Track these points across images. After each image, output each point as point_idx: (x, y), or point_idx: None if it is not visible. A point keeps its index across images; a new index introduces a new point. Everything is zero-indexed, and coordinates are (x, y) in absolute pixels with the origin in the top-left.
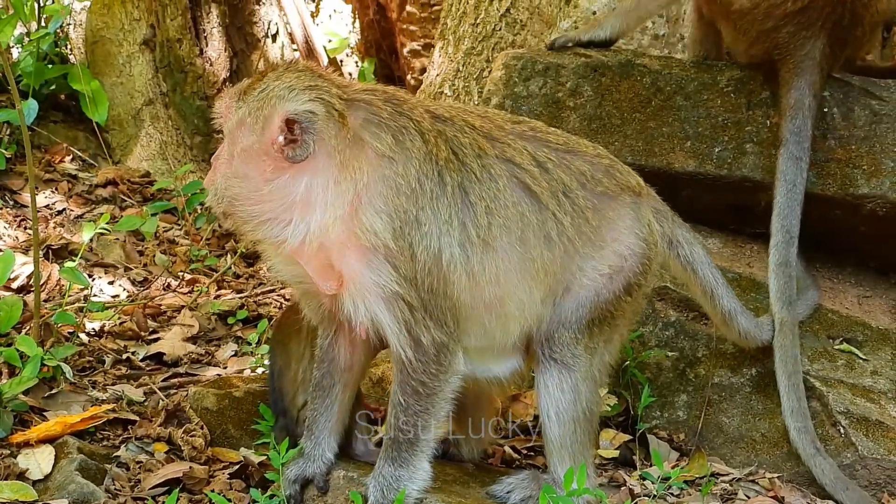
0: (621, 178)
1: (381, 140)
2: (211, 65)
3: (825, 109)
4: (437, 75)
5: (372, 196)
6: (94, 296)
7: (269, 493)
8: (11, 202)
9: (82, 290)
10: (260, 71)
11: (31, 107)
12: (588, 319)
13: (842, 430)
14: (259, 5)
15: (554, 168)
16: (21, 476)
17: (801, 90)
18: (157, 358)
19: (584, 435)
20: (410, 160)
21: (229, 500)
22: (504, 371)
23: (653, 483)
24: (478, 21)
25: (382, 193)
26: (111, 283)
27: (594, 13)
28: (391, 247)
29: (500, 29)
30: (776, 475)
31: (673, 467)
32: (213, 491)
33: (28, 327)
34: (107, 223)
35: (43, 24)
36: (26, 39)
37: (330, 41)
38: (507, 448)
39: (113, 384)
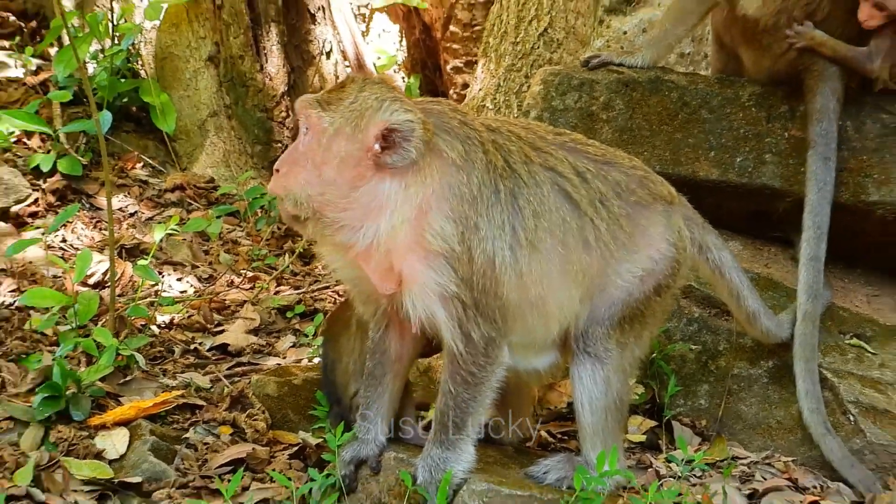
0: (654, 188)
1: (453, 148)
2: (270, 79)
3: (839, 123)
4: (480, 90)
5: (440, 202)
6: (164, 291)
7: (325, 472)
8: (88, 205)
9: (153, 286)
10: (338, 82)
11: (105, 118)
12: (620, 317)
13: (851, 418)
14: (314, 25)
15: (592, 178)
16: (98, 456)
17: (825, 96)
18: (222, 348)
19: (614, 422)
20: (474, 169)
21: (289, 479)
22: (543, 364)
23: (677, 465)
24: (518, 40)
25: (449, 200)
26: (179, 279)
27: (625, 33)
28: (455, 250)
29: (539, 47)
30: (791, 459)
31: (696, 451)
32: (273, 470)
33: (104, 320)
34: (175, 225)
35: (116, 41)
36: (101, 56)
37: (379, 58)
38: (543, 432)
39: (182, 372)
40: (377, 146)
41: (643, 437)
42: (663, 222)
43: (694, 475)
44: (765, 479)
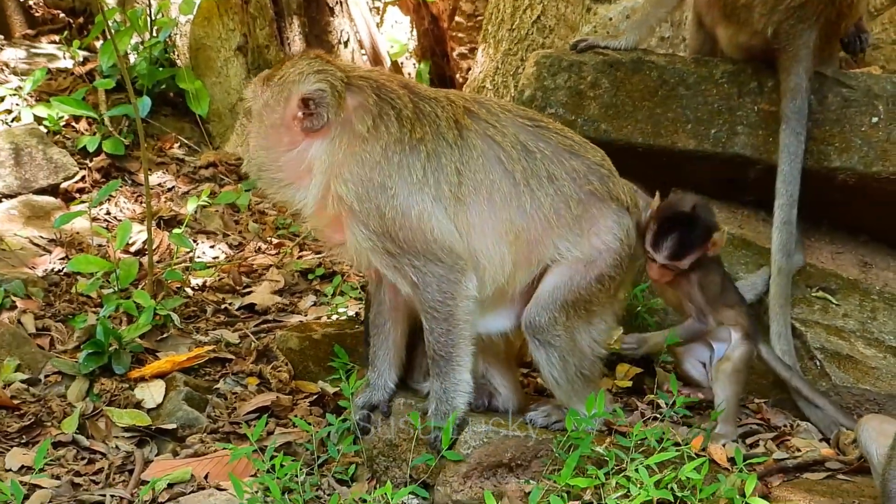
0: (613, 189)
1: (363, 123)
2: None
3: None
4: (480, 72)
5: (341, 169)
6: (198, 257)
7: (341, 417)
8: (130, 181)
9: (188, 252)
10: (279, 60)
11: (144, 103)
12: (563, 301)
13: (818, 363)
14: (333, 17)
15: (542, 158)
16: (137, 405)
17: (799, 75)
18: (250, 308)
19: (583, 387)
20: (379, 140)
21: (309, 424)
22: (494, 328)
23: (665, 403)
24: (514, 27)
25: (348, 166)
26: (212, 246)
27: (610, 19)
28: (356, 209)
29: (532, 33)
30: (763, 400)
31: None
32: (295, 416)
33: (143, 283)
34: (207, 197)
35: (154, 34)
36: (141, 47)
37: (392, 47)
38: (538, 379)
39: (213, 329)
40: (300, 114)
41: (629, 383)
42: (614, 218)
43: (675, 414)
44: (740, 418)
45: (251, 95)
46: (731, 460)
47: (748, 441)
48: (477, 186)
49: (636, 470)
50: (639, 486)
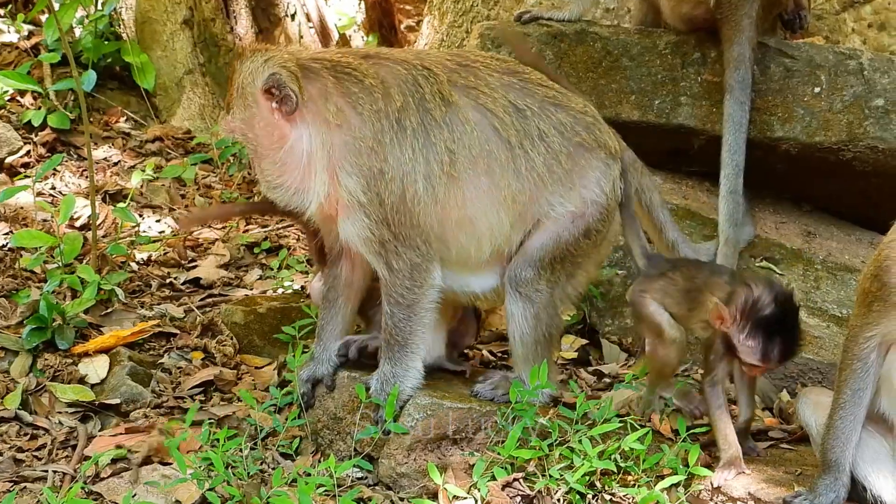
0: (600, 136)
1: (328, 110)
2: (240, 40)
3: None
4: (426, 44)
5: (342, 161)
6: (144, 232)
7: (284, 390)
8: (75, 156)
9: (133, 227)
10: (228, 63)
11: (90, 77)
12: (550, 257)
13: None
14: None
15: (532, 115)
16: (81, 381)
17: (742, 45)
18: (195, 282)
19: (545, 350)
20: (365, 123)
21: (254, 398)
22: (482, 287)
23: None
24: None
25: (348, 158)
26: (158, 221)
27: None
28: (363, 201)
29: (477, 5)
30: None
31: (622, 365)
32: (241, 390)
33: (87, 258)
34: (151, 170)
35: (100, 7)
36: (86, 21)
37: (340, 20)
38: (485, 352)
39: (158, 304)
40: (273, 104)
41: (575, 354)
42: (602, 168)
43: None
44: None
45: (225, 127)
46: (675, 431)
47: None
48: (473, 161)
49: (580, 441)
50: (582, 456)
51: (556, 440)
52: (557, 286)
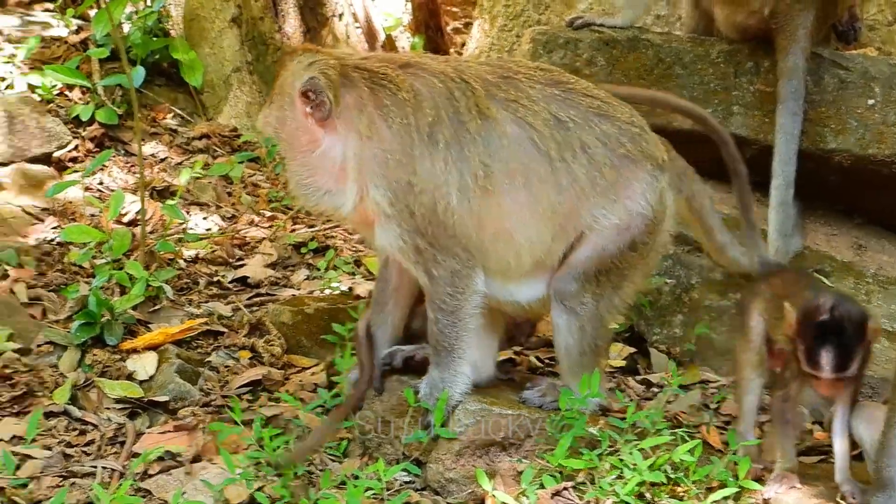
0: (646, 147)
1: (361, 122)
2: (287, 39)
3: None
4: (476, 48)
5: (371, 173)
6: (191, 229)
7: (332, 392)
8: (123, 151)
9: (181, 223)
10: (276, 61)
11: (138, 72)
12: (595, 270)
13: None
14: None
15: (574, 127)
16: (129, 377)
17: (796, 55)
18: (243, 280)
19: (591, 361)
20: (394, 136)
21: (300, 400)
22: (525, 297)
23: (662, 381)
24: (509, 3)
25: (376, 170)
26: (205, 218)
27: None
28: (391, 213)
29: (528, 10)
30: None
31: (670, 375)
32: (286, 392)
33: (136, 254)
34: (201, 169)
35: (149, 3)
36: (135, 17)
37: (386, 20)
38: (532, 357)
39: (206, 302)
40: (308, 108)
41: (623, 363)
42: (647, 180)
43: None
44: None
45: (262, 120)
46: (725, 443)
47: None
48: (510, 175)
49: (630, 452)
50: (632, 468)
51: (605, 450)
52: (603, 298)
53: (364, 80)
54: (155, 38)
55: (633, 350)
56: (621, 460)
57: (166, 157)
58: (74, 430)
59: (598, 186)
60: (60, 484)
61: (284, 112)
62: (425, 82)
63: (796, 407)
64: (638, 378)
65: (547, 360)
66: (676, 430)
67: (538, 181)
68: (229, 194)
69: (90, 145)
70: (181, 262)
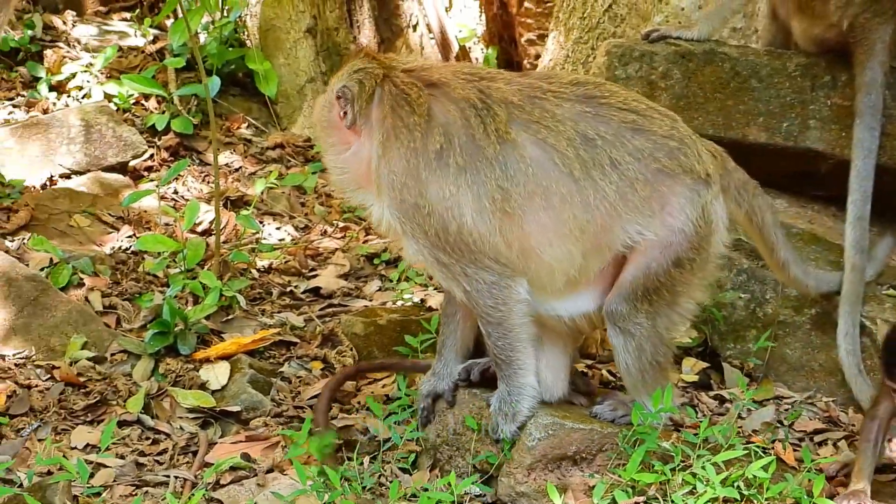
0: (685, 161)
1: (378, 139)
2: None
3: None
4: (550, 60)
5: (383, 190)
6: (264, 239)
7: (405, 402)
8: (198, 161)
9: (254, 234)
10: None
11: (214, 82)
12: (643, 290)
13: None
14: (402, 0)
15: (604, 144)
16: (202, 386)
17: (874, 69)
18: (315, 291)
19: (654, 378)
20: (400, 158)
21: (379, 407)
22: (568, 312)
23: (733, 398)
24: (585, 15)
25: (385, 189)
26: (278, 228)
27: (682, 9)
28: (403, 229)
29: (604, 22)
30: (831, 399)
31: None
32: (358, 403)
33: (209, 264)
34: (275, 179)
35: (225, 14)
36: (211, 27)
37: (460, 31)
38: (604, 371)
39: (278, 312)
40: (340, 112)
41: (696, 378)
42: (687, 195)
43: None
44: (809, 419)
45: (314, 112)
46: (799, 460)
47: (816, 440)
48: (529, 197)
49: (703, 467)
50: (705, 483)
51: (678, 465)
52: (659, 316)
53: (389, 98)
54: (230, 49)
55: (706, 365)
56: (694, 475)
57: (240, 167)
58: (147, 438)
59: (629, 203)
60: (133, 493)
61: (325, 109)
62: (443, 107)
63: (885, 428)
64: (711, 393)
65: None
66: (749, 446)
67: (559, 202)
68: (302, 204)
69: (165, 154)
70: (254, 272)
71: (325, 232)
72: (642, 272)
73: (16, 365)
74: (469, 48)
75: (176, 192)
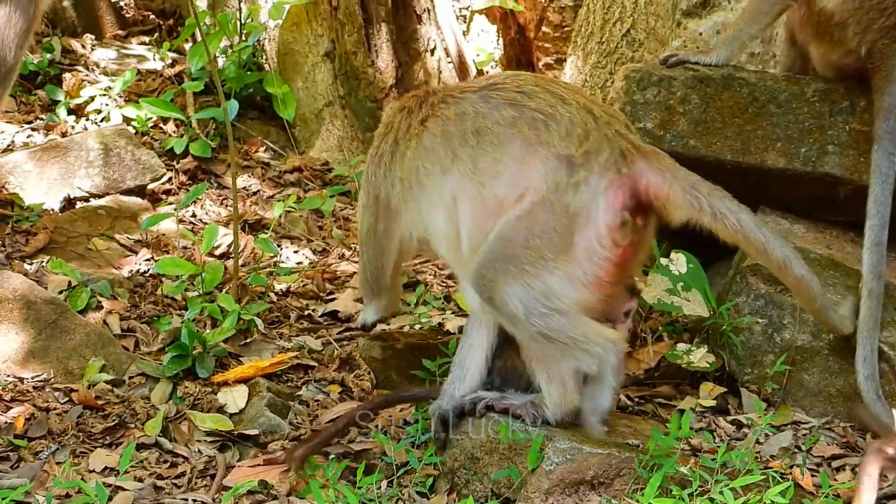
0: (545, 135)
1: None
2: (380, 73)
3: None
4: None
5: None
6: (282, 262)
7: (422, 427)
8: (216, 184)
9: (272, 257)
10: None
11: (232, 106)
12: (501, 256)
13: None
14: (420, 24)
15: (475, 116)
16: (220, 410)
17: (893, 95)
18: (333, 315)
19: (542, 354)
20: (368, 165)
21: (387, 436)
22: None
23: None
24: (603, 40)
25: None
26: (296, 252)
27: (700, 34)
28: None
29: (622, 47)
30: (849, 424)
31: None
32: (376, 427)
33: (228, 287)
34: (293, 202)
35: (244, 38)
36: (230, 51)
37: (478, 55)
38: (622, 396)
39: (296, 335)
40: None
41: (714, 402)
42: (539, 166)
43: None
44: (826, 444)
45: None
46: (818, 485)
47: (834, 465)
48: (420, 182)
49: (721, 492)
50: None
51: (696, 490)
52: (520, 287)
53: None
54: (249, 73)
55: (723, 390)
56: (712, 500)
57: (258, 191)
58: (165, 462)
59: (479, 165)
60: None
61: None
62: (393, 115)
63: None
64: (729, 418)
65: (637, 399)
66: (767, 471)
67: (439, 177)
68: (320, 228)
69: (184, 178)
70: (272, 295)
71: (343, 255)
72: (499, 237)
73: (34, 388)
74: (487, 72)
75: (194, 216)
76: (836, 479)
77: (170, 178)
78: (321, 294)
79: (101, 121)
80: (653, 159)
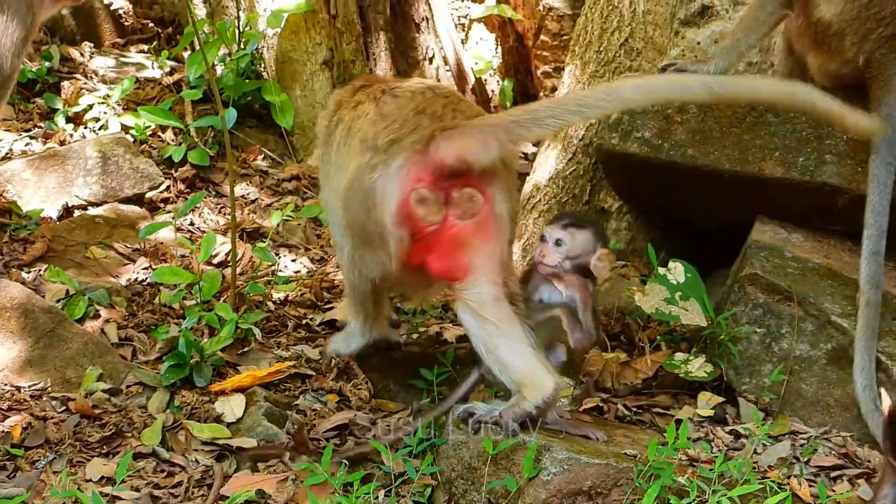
0: (374, 132)
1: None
2: None
3: None
4: (567, 93)
5: None
6: (280, 271)
7: (418, 438)
8: (214, 192)
9: (270, 266)
10: None
11: (231, 114)
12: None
13: None
14: (419, 33)
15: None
16: (217, 419)
17: (890, 105)
18: (331, 323)
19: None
20: (324, 146)
21: (385, 448)
22: None
23: (749, 432)
24: (601, 49)
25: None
26: (294, 260)
27: (698, 43)
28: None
29: (620, 56)
30: (847, 434)
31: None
32: (374, 436)
33: (225, 296)
34: (291, 211)
35: (242, 46)
36: (228, 59)
37: (476, 63)
38: (619, 406)
39: (294, 344)
40: None
41: (711, 412)
42: (356, 155)
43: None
44: (824, 454)
45: None
46: (815, 496)
47: (832, 476)
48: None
49: (718, 502)
50: None
51: (694, 500)
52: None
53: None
54: (247, 81)
55: (721, 400)
56: None
57: (256, 199)
58: (162, 471)
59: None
60: None
61: None
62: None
63: None
64: (727, 428)
65: (634, 409)
66: (765, 481)
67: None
68: (318, 236)
69: (182, 186)
70: (270, 304)
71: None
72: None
73: (31, 397)
74: (485, 80)
75: (192, 224)
76: (833, 490)
77: (168, 187)
78: (319, 303)
79: (100, 129)
80: (455, 129)
